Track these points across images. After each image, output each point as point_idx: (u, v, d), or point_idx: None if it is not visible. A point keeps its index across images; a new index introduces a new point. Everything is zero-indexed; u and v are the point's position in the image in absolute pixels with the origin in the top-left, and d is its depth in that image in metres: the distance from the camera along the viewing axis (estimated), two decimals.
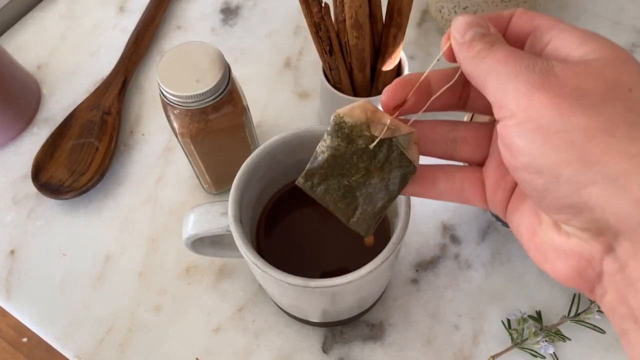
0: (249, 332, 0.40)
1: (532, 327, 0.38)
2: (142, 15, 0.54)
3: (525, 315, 0.38)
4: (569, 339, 0.38)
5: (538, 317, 0.38)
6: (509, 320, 0.39)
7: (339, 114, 0.25)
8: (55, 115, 0.50)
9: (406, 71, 0.42)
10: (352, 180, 0.25)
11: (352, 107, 0.25)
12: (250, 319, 0.40)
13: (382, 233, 0.37)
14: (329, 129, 0.25)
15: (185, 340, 0.40)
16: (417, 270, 0.42)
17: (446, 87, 0.24)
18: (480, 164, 0.26)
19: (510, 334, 0.38)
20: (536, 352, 0.37)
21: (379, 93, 0.41)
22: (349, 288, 0.30)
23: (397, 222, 0.31)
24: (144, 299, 0.41)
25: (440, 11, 0.50)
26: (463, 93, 0.25)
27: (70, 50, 0.54)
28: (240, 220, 0.32)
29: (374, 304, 0.39)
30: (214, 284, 0.42)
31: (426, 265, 0.42)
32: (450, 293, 0.41)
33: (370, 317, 0.40)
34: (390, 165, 0.25)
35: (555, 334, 0.37)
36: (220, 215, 0.33)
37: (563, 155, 0.18)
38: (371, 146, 0.25)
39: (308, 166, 0.26)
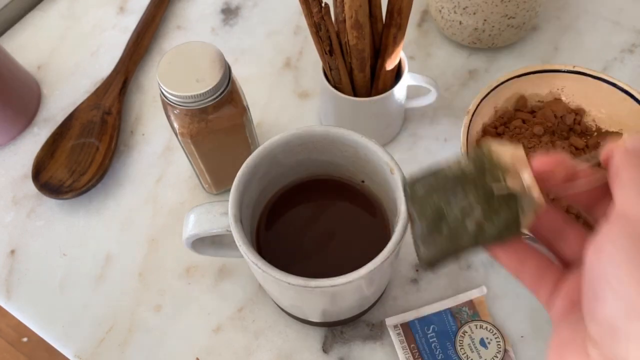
0: (249, 332, 0.40)
1: None
2: (142, 15, 0.54)
3: None
4: None
5: None
6: None
7: (491, 149, 0.24)
8: (56, 115, 0.50)
9: (406, 71, 0.42)
10: (452, 208, 0.24)
11: (506, 149, 0.24)
12: (250, 319, 0.40)
13: (382, 233, 0.37)
14: (471, 152, 0.24)
15: (185, 340, 0.40)
16: (417, 270, 0.42)
17: (594, 183, 0.22)
18: (566, 266, 0.24)
19: None
20: None
21: (379, 93, 0.41)
22: (349, 288, 0.30)
23: (397, 222, 0.31)
24: (144, 299, 0.41)
25: (440, 11, 0.50)
26: (593, 200, 0.24)
27: (71, 50, 0.54)
28: (240, 220, 0.32)
29: (374, 304, 0.39)
30: (214, 284, 0.42)
31: None
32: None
33: (370, 317, 0.40)
34: (498, 218, 0.23)
35: None
36: (221, 215, 0.33)
37: None
38: (497, 192, 0.23)
39: (426, 171, 0.25)
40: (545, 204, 0.23)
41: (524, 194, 0.23)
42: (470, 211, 0.23)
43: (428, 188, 0.24)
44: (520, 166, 0.23)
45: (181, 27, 0.55)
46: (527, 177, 0.23)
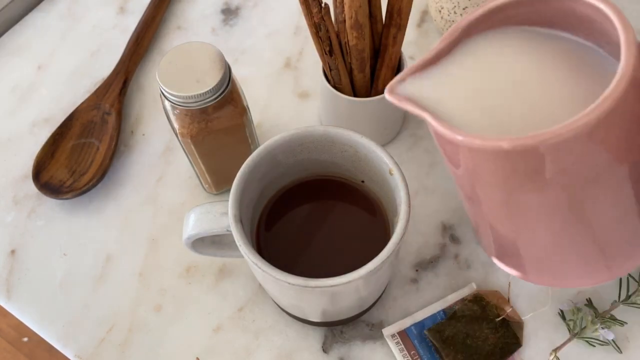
0: (249, 332, 0.40)
1: (587, 315, 0.38)
2: (142, 16, 0.54)
3: (579, 305, 0.39)
4: (626, 323, 0.38)
5: (592, 305, 0.39)
6: (562, 311, 0.39)
7: (480, 294, 0.39)
8: (56, 115, 0.50)
9: None
10: (473, 338, 0.37)
11: (491, 292, 0.40)
12: (250, 319, 0.40)
13: (382, 233, 0.37)
14: (471, 298, 0.39)
15: (185, 340, 0.40)
16: (417, 270, 0.42)
17: None
18: None
19: (567, 325, 0.38)
20: (598, 340, 0.37)
21: (379, 93, 0.41)
22: (349, 288, 0.30)
23: (397, 222, 0.31)
24: (144, 299, 0.41)
25: (440, 11, 0.50)
26: None
27: (71, 50, 0.54)
28: (240, 220, 0.32)
29: (374, 304, 0.39)
30: (214, 284, 0.42)
31: (426, 265, 0.42)
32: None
33: (370, 317, 0.40)
34: (504, 337, 0.38)
35: (610, 320, 0.38)
36: (221, 215, 0.33)
37: None
38: (497, 319, 0.38)
39: (444, 320, 0.39)
40: (523, 321, 0.39)
41: (510, 318, 0.38)
42: (486, 340, 0.38)
43: (453, 329, 0.38)
44: (502, 301, 0.39)
45: (181, 28, 0.55)
46: (508, 307, 0.39)
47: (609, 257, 0.30)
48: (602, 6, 0.23)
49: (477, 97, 0.27)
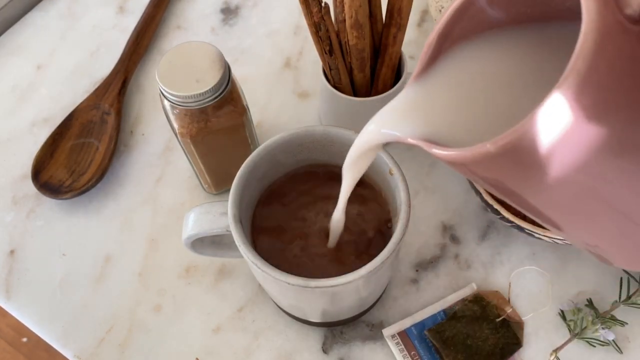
0: (249, 332, 0.40)
1: (588, 315, 0.39)
2: (142, 15, 0.54)
3: (580, 306, 0.39)
4: (626, 323, 0.38)
5: (592, 305, 0.39)
6: (562, 312, 0.39)
7: (481, 294, 0.39)
8: (55, 115, 0.50)
9: (406, 71, 0.42)
10: (474, 339, 0.37)
11: (491, 292, 0.40)
12: (250, 319, 0.40)
13: (382, 233, 0.37)
14: (471, 298, 0.39)
15: (185, 340, 0.40)
16: (417, 270, 0.42)
17: None
18: None
19: (568, 325, 0.38)
20: (599, 340, 0.38)
21: (379, 93, 0.41)
22: (349, 288, 0.30)
23: (397, 222, 0.31)
24: (143, 299, 0.41)
25: (440, 11, 0.50)
26: None
27: (70, 50, 0.54)
28: (240, 220, 0.32)
29: (374, 304, 0.39)
30: (213, 284, 0.42)
31: (426, 265, 0.42)
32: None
33: (370, 317, 0.40)
34: (504, 338, 0.38)
35: (611, 320, 0.38)
36: (220, 215, 0.33)
37: None
38: (497, 320, 0.38)
39: (445, 320, 0.38)
40: (523, 321, 0.39)
41: (510, 318, 0.38)
42: (486, 340, 0.38)
43: (453, 330, 0.38)
44: (502, 301, 0.39)
45: (181, 27, 0.55)
46: (508, 307, 0.39)
47: None
48: None
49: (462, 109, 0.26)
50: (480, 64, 0.26)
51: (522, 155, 0.20)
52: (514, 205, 0.25)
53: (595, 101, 0.19)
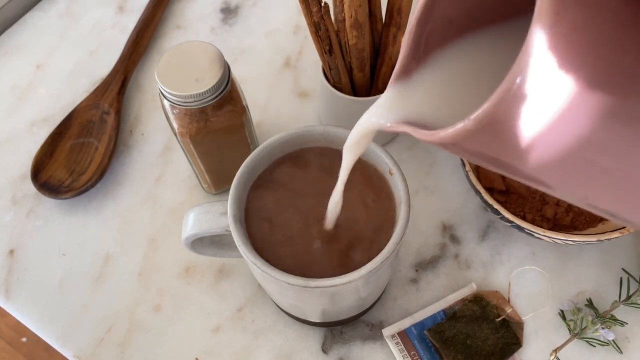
0: (249, 332, 0.40)
1: (588, 315, 0.39)
2: (142, 15, 0.54)
3: (580, 306, 0.39)
4: (626, 323, 0.38)
5: (592, 305, 0.39)
6: (562, 312, 0.39)
7: (481, 294, 0.39)
8: (55, 115, 0.50)
9: None
10: (474, 339, 0.37)
11: (491, 292, 0.40)
12: (250, 319, 0.40)
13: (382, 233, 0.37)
14: (471, 298, 0.39)
15: (185, 340, 0.40)
16: (417, 270, 0.42)
17: None
18: None
19: (568, 325, 0.39)
20: (599, 340, 0.38)
21: (379, 93, 0.41)
22: (349, 288, 0.30)
23: (397, 222, 0.31)
24: (143, 299, 0.41)
25: None
26: None
27: (70, 50, 0.54)
28: (240, 220, 0.32)
29: (374, 304, 0.39)
30: (213, 284, 0.42)
31: (426, 265, 0.42)
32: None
33: (370, 317, 0.40)
34: (504, 338, 0.38)
35: (611, 320, 0.38)
36: (220, 215, 0.33)
37: None
38: (497, 320, 0.38)
39: (445, 320, 0.38)
40: (523, 322, 0.39)
41: (510, 318, 0.38)
42: (486, 340, 0.38)
43: (453, 330, 0.38)
44: (503, 302, 0.39)
45: (181, 27, 0.55)
46: (508, 307, 0.39)
47: None
48: None
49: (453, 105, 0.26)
50: (462, 64, 0.27)
51: (503, 123, 0.19)
52: (511, 177, 0.25)
53: (567, 49, 0.17)
